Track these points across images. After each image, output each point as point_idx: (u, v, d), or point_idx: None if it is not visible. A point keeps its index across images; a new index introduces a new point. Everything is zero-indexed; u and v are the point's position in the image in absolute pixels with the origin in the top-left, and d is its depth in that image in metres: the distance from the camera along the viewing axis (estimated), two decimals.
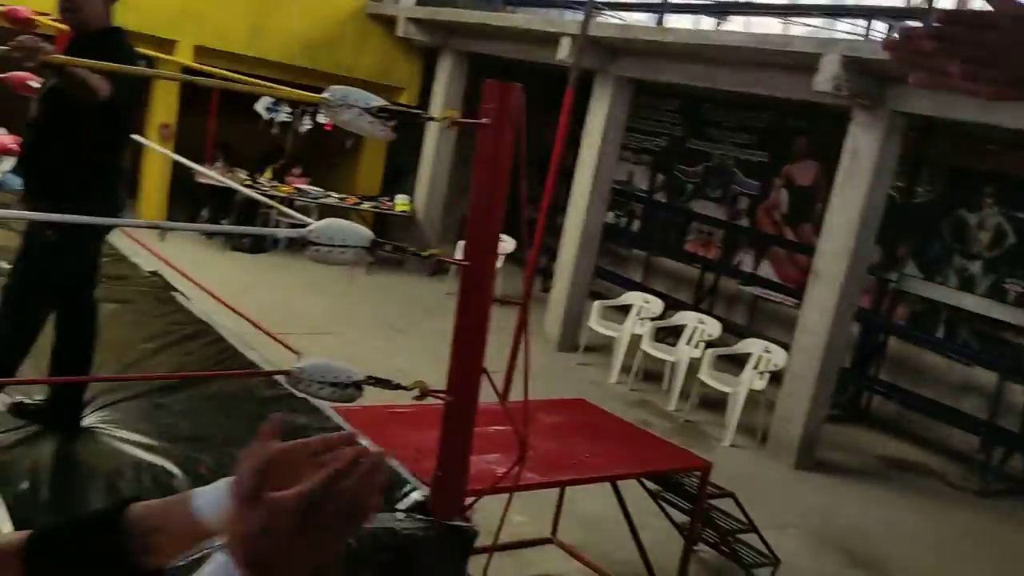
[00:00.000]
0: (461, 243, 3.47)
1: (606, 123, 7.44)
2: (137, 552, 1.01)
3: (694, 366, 6.62)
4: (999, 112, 5.05)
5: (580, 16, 5.78)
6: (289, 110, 9.22)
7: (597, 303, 7.50)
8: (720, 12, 6.87)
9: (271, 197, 7.74)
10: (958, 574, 4.99)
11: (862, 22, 6.64)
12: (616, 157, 7.89)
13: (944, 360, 6.97)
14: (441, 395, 2.28)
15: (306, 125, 9.33)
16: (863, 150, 5.66)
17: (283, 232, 7.51)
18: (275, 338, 2.93)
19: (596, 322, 7.38)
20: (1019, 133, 6.02)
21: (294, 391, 2.14)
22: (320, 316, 7.16)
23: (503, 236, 2.61)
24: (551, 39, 7.33)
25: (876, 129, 5.59)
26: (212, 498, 0.97)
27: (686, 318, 7.19)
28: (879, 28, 6.25)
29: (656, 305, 7.48)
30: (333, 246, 1.97)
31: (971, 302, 6.83)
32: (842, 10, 7.16)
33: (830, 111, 7.58)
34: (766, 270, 8.46)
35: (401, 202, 9.68)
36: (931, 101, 5.35)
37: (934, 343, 7.00)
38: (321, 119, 8.75)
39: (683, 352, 6.79)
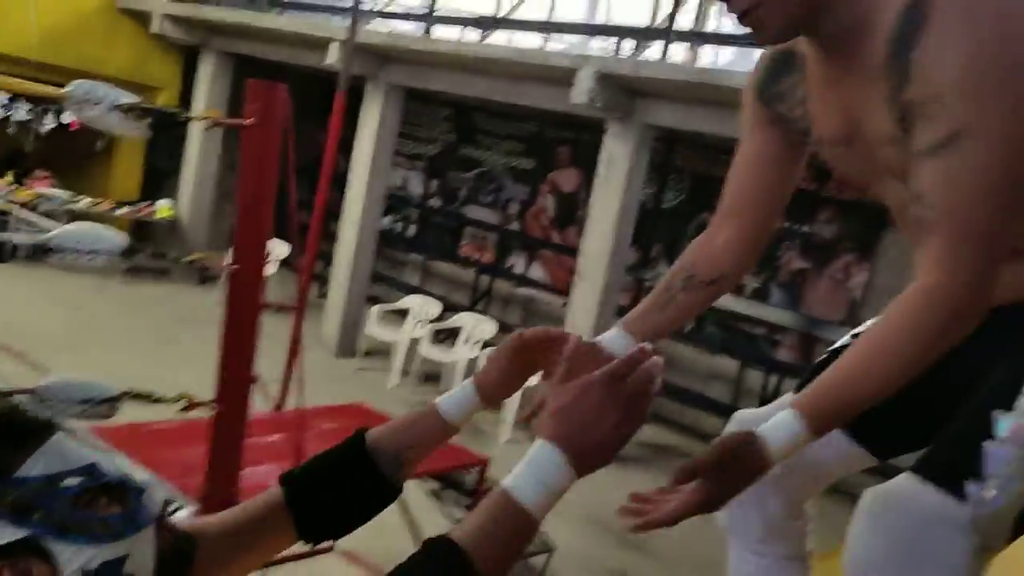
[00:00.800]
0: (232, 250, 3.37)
1: (378, 129, 7.47)
2: (391, 471, 1.11)
3: (472, 366, 6.81)
4: (731, 125, 5.65)
5: (348, 22, 5.77)
6: (29, 107, 8.40)
7: (375, 308, 7.51)
8: (485, 26, 7.14)
9: (10, 202, 7.03)
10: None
11: (614, 40, 7.16)
12: (390, 163, 7.94)
13: (693, 350, 7.66)
14: (208, 406, 2.22)
15: (48, 124, 8.54)
16: (617, 159, 6.11)
17: (20, 238, 6.83)
18: (15, 355, 2.70)
19: (375, 327, 7.38)
20: None
21: (38, 413, 2.00)
22: (71, 330, 6.60)
23: (276, 241, 2.58)
24: (320, 43, 7.25)
25: (628, 139, 6.06)
26: (459, 398, 1.12)
27: (463, 320, 7.37)
28: (628, 45, 6.78)
29: (434, 308, 7.61)
30: (80, 252, 1.84)
31: None
32: (596, 29, 7.71)
33: (588, 122, 8.12)
34: (538, 272, 8.87)
35: (164, 208, 9.14)
36: (675, 114, 5.88)
37: (684, 335, 7.67)
38: (67, 118, 8.05)
39: (461, 353, 6.96)
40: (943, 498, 1.07)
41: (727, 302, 7.45)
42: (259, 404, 2.40)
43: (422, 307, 7.61)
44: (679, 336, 7.68)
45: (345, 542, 3.90)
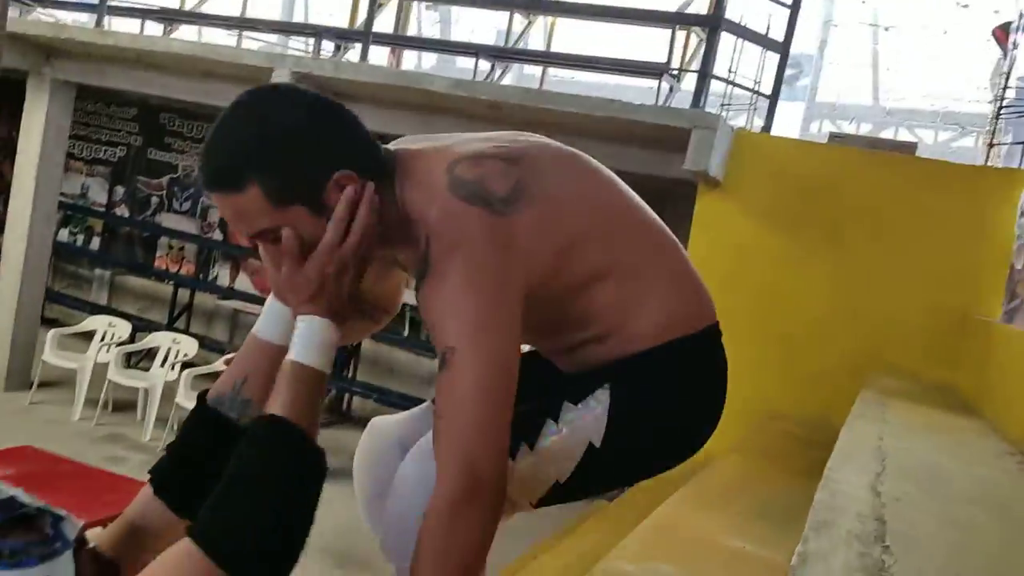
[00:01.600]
0: None
1: (45, 130, 6.61)
2: (240, 412, 1.18)
3: (171, 390, 6.25)
4: (435, 128, 5.69)
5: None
6: None
7: (53, 332, 6.64)
8: (167, 19, 6.58)
9: None
10: None
11: (312, 40, 6.94)
12: (62, 168, 7.06)
13: (412, 355, 7.66)
14: None
15: None
16: None
17: None
18: None
19: (52, 353, 6.52)
20: None
21: None
22: None
23: None
24: None
25: None
26: (269, 315, 1.21)
27: (159, 340, 6.76)
28: (327, 46, 6.60)
29: (123, 328, 6.90)
30: None
31: None
32: (292, 27, 7.41)
33: None
34: (244, 282, 8.38)
35: None
36: (379, 118, 5.81)
37: (401, 341, 7.65)
38: None
39: (157, 376, 6.37)
40: None
41: None
42: None
43: (110, 328, 6.86)
44: (395, 343, 7.64)
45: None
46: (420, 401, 6.34)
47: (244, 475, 1.02)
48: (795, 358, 5.27)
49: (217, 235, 8.50)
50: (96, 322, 6.97)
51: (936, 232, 5.09)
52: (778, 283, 5.36)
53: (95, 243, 9.08)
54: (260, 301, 7.95)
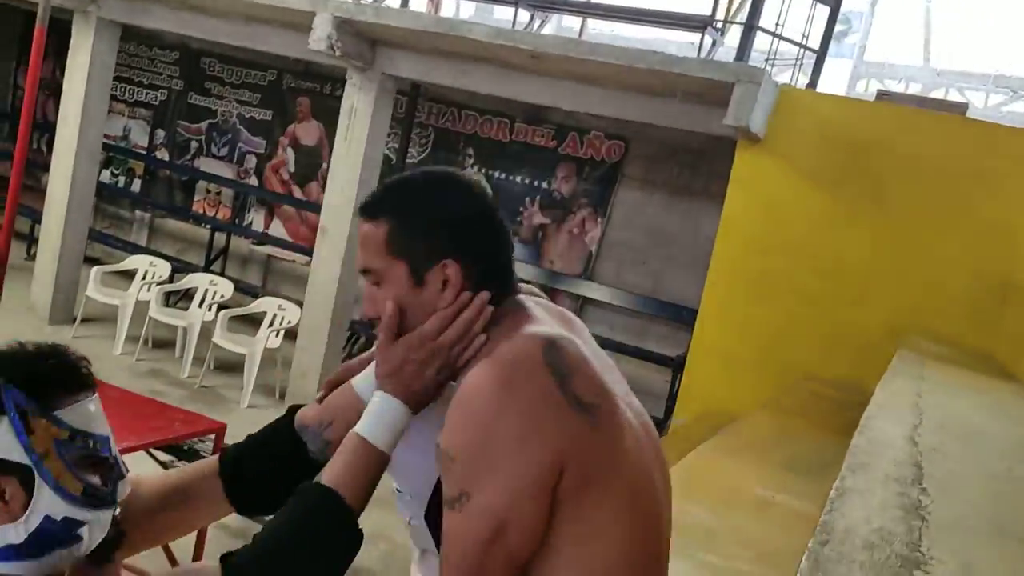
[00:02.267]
0: None
1: (90, 70, 6.67)
2: (316, 447, 1.22)
3: (208, 330, 6.37)
4: (473, 78, 5.67)
5: None
6: None
7: (96, 269, 6.78)
8: None
9: None
10: None
11: None
12: (106, 109, 7.15)
13: None
14: None
15: None
16: (359, 110, 5.92)
17: None
18: None
19: (95, 290, 6.66)
20: (490, 99, 6.84)
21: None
22: None
23: None
24: None
25: (370, 90, 5.88)
26: (368, 376, 1.20)
27: (197, 280, 6.87)
28: None
29: (163, 268, 7.02)
30: None
31: None
32: None
33: (329, 73, 7.82)
34: (278, 229, 8.46)
35: None
36: (417, 66, 5.79)
37: None
38: None
39: (195, 316, 6.49)
40: None
41: None
42: None
43: (151, 268, 6.98)
44: None
45: None
46: None
47: (287, 533, 1.06)
48: (831, 319, 5.23)
49: (253, 181, 8.57)
50: (137, 261, 7.09)
51: (983, 196, 4.99)
52: (817, 243, 5.30)
53: (136, 185, 9.20)
54: (293, 248, 8.04)
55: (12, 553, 1.08)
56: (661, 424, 6.39)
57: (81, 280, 6.93)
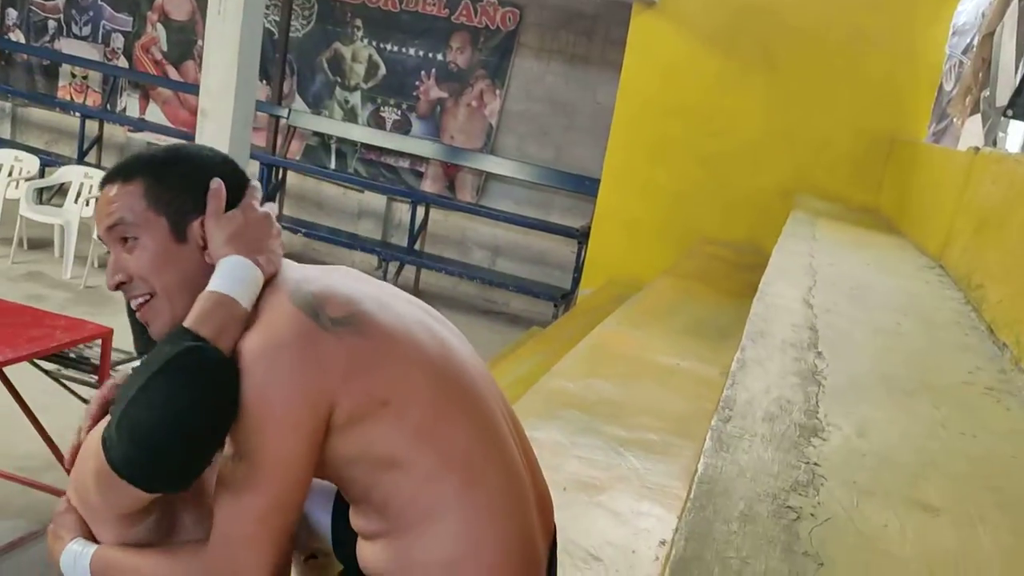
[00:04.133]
0: None
1: None
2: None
3: (88, 227, 6.01)
4: None
5: None
6: None
7: None
8: None
9: None
10: None
11: None
12: None
13: (339, 189, 7.48)
14: None
15: None
16: None
17: None
18: None
19: None
20: None
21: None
22: None
23: None
24: None
25: None
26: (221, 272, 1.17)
27: (70, 174, 6.42)
28: None
29: (31, 163, 6.53)
30: None
31: (356, 132, 7.35)
32: None
33: None
34: (155, 114, 7.93)
35: None
36: None
37: (328, 174, 7.44)
38: None
39: (71, 212, 6.09)
40: None
41: (370, 136, 7.31)
42: None
43: (16, 163, 6.48)
44: (324, 175, 7.43)
45: None
46: (350, 236, 6.29)
47: (140, 374, 1.06)
48: (727, 182, 5.31)
49: (122, 62, 7.94)
50: (1, 156, 6.56)
51: (868, 55, 5.05)
52: (712, 106, 5.31)
53: None
54: (173, 133, 7.57)
55: None
56: (568, 296, 6.48)
57: None
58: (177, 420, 1.02)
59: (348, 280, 1.22)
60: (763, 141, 5.22)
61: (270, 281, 1.18)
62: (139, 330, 1.36)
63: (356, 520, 1.19)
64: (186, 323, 1.10)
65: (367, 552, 1.16)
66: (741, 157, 5.27)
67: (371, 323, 1.14)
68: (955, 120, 4.09)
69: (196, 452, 1.05)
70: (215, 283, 1.13)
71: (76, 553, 1.17)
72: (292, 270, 1.22)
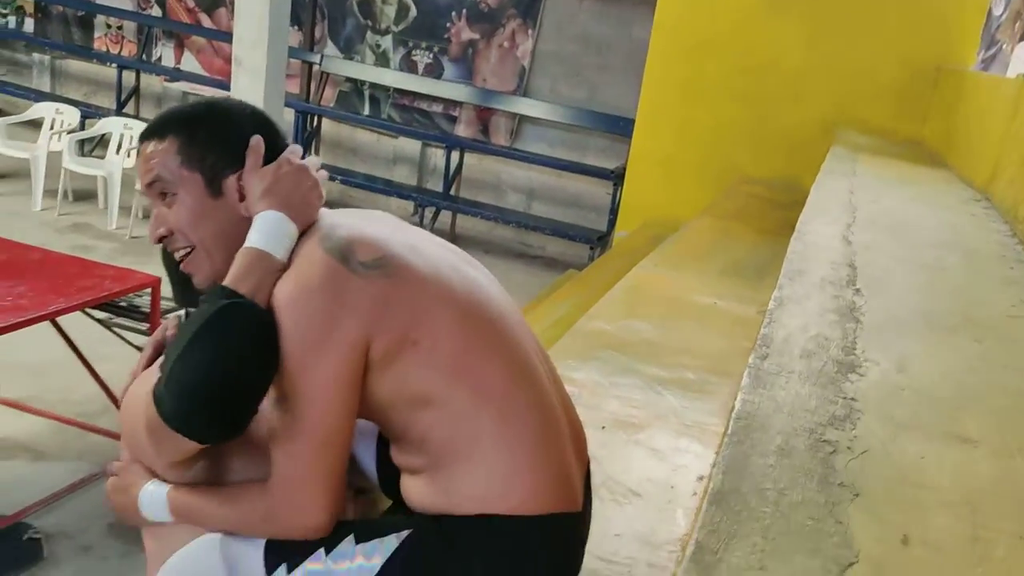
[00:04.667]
0: None
1: None
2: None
3: (130, 177, 6.10)
4: None
5: None
6: None
7: (0, 121, 6.37)
8: None
9: None
10: None
11: None
12: None
13: (373, 135, 7.48)
14: None
15: None
16: None
17: None
18: None
19: (2, 144, 6.28)
20: None
21: None
22: None
23: None
24: None
25: None
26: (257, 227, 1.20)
27: (110, 125, 6.49)
28: None
29: (72, 115, 6.61)
30: None
31: (388, 77, 7.31)
32: None
33: None
34: (191, 63, 7.96)
35: None
36: None
37: (362, 120, 7.43)
38: None
39: (113, 164, 6.18)
40: None
41: (402, 81, 7.27)
42: None
43: (57, 116, 6.57)
44: (359, 122, 7.43)
45: (13, 391, 3.43)
46: (385, 182, 6.28)
47: (185, 333, 1.11)
48: (766, 118, 5.20)
49: (156, 11, 7.95)
50: (42, 109, 6.65)
51: None
52: (748, 40, 5.18)
53: (28, 25, 8.47)
54: (209, 82, 7.60)
55: None
56: (604, 238, 6.46)
57: None
58: (221, 376, 1.08)
59: (379, 225, 1.26)
60: (802, 74, 5.09)
61: (306, 231, 1.22)
62: (177, 282, 1.44)
63: (397, 457, 1.23)
64: (226, 281, 1.15)
65: (410, 487, 1.21)
66: (780, 91, 5.15)
67: (401, 266, 1.17)
68: (1004, 46, 3.95)
69: (240, 404, 1.11)
70: (252, 239, 1.18)
71: (151, 492, 1.26)
72: (327, 217, 1.26)
